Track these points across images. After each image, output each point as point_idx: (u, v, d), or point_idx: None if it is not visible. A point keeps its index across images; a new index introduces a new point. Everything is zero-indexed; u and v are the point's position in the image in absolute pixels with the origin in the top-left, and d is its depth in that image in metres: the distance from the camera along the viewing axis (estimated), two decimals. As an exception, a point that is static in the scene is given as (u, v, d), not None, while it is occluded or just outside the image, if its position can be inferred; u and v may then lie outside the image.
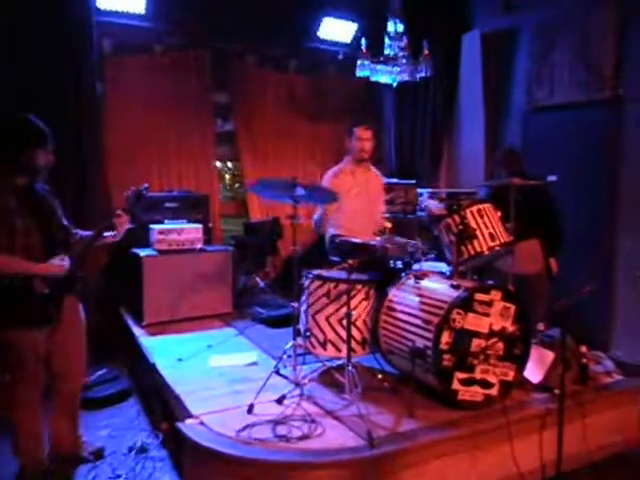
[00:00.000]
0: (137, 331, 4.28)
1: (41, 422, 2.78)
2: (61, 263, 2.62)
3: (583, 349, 3.24)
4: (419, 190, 5.39)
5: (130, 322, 4.49)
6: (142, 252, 4.47)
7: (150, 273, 4.41)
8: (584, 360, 3.23)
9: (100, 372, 3.88)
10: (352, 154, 4.01)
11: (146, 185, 2.85)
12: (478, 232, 3.16)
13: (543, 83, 4.93)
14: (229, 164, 7.75)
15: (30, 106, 3.94)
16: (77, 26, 4.34)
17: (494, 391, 2.93)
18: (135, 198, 2.81)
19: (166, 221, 4.77)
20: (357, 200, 3.94)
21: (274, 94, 6.06)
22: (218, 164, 6.32)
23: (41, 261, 2.58)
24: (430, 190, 5.40)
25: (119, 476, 2.83)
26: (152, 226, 4.62)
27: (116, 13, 4.94)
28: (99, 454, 3.02)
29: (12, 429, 2.72)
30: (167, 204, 4.98)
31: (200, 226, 4.74)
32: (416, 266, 3.39)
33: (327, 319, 3.18)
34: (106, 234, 2.80)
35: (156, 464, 2.95)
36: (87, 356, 2.95)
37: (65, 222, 2.80)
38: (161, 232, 4.52)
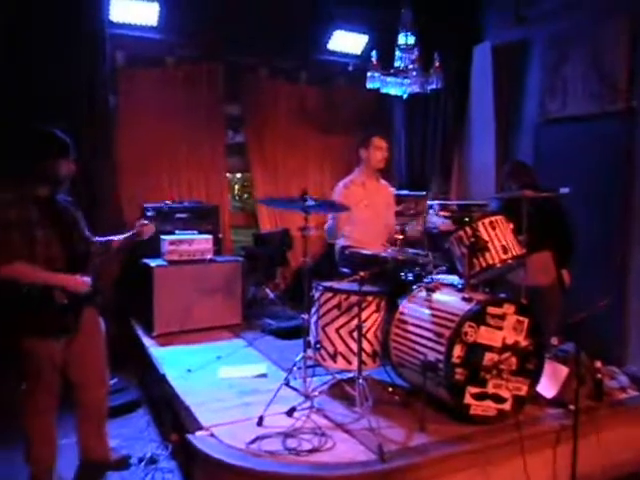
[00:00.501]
0: (147, 341, 4.29)
1: (54, 431, 2.78)
2: (84, 280, 2.63)
3: (598, 364, 3.20)
4: (429, 202, 5.37)
5: (140, 332, 4.50)
6: (153, 262, 4.48)
7: (161, 283, 4.42)
8: (599, 375, 3.19)
9: (110, 382, 3.88)
10: (368, 164, 4.00)
11: (167, 202, 2.99)
12: (490, 244, 3.13)
13: (555, 95, 4.91)
14: (238, 175, 7.77)
15: (43, 119, 3.99)
16: (90, 39, 4.39)
17: (507, 406, 2.89)
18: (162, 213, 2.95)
19: (177, 232, 4.79)
20: (367, 211, 3.93)
21: (285, 106, 6.10)
22: (228, 175, 6.35)
23: (61, 271, 2.58)
24: (440, 202, 5.38)
25: (129, 487, 2.83)
26: (163, 237, 4.63)
27: (129, 26, 5.00)
28: (125, 462, 3.02)
29: (25, 437, 2.72)
30: (178, 215, 5.01)
31: (210, 237, 4.75)
32: (427, 278, 3.37)
33: (337, 331, 3.17)
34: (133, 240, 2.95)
35: (165, 475, 2.93)
36: (107, 367, 2.97)
37: (87, 233, 2.84)
38: (172, 243, 4.53)
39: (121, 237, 2.94)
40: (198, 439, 2.69)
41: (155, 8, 4.96)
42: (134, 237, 2.93)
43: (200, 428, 2.81)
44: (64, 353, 2.68)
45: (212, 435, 2.73)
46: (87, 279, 2.65)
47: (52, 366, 2.63)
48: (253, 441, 2.64)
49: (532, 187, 3.53)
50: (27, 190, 2.58)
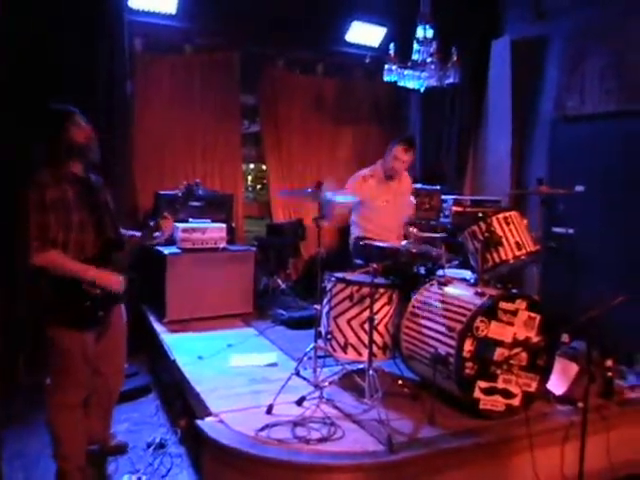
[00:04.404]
0: (158, 328, 4.32)
1: (83, 426, 2.72)
2: (118, 279, 2.57)
3: (609, 362, 3.18)
4: (444, 196, 5.35)
5: (152, 319, 4.53)
6: (166, 250, 4.51)
7: (173, 271, 4.45)
8: (609, 374, 3.17)
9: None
10: (384, 166, 3.96)
11: (198, 180, 2.91)
12: (504, 240, 3.12)
13: (573, 92, 4.86)
14: (251, 165, 7.79)
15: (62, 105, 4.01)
16: (109, 25, 4.40)
17: (516, 401, 2.89)
18: (186, 194, 2.85)
19: (190, 220, 4.81)
20: (385, 208, 3.91)
21: (301, 97, 6.09)
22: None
23: (92, 259, 2.51)
24: (454, 197, 5.35)
25: (138, 470, 2.86)
26: (177, 225, 4.65)
27: (147, 13, 5.00)
28: (123, 448, 3.05)
29: (53, 435, 2.65)
30: (192, 203, 5.01)
31: (224, 226, 4.77)
32: (440, 272, 3.37)
33: (349, 322, 3.18)
34: (154, 234, 2.80)
35: (174, 460, 2.97)
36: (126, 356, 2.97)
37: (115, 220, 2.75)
38: (185, 231, 4.56)
39: (138, 234, 2.81)
40: (207, 425, 2.72)
41: (174, -4, 4.97)
42: (156, 230, 2.78)
43: (209, 414, 2.83)
44: (95, 345, 2.63)
45: (221, 421, 2.75)
46: (121, 278, 2.58)
47: (83, 358, 2.56)
48: (262, 429, 2.66)
49: None
50: (61, 169, 2.52)
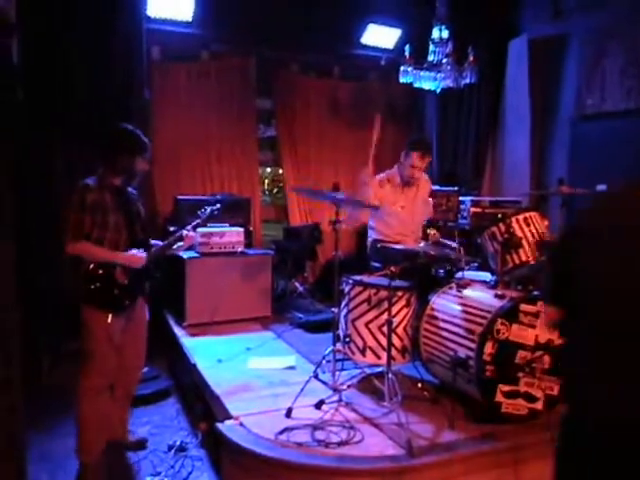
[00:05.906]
0: (178, 331, 4.36)
1: (106, 415, 2.85)
2: (140, 254, 2.81)
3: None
4: (461, 198, 5.31)
5: (172, 322, 4.57)
6: (185, 254, 4.54)
7: (192, 275, 4.48)
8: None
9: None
10: (401, 172, 3.91)
11: (218, 206, 3.19)
12: (524, 241, 3.09)
13: (593, 90, 4.79)
14: (267, 169, 7.81)
15: (82, 113, 4.08)
16: (128, 35, 4.44)
17: (539, 405, 2.84)
18: (208, 217, 3.14)
19: (208, 224, 4.83)
20: (402, 213, 3.86)
21: (317, 100, 6.10)
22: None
23: None
24: (472, 198, 5.31)
25: (159, 473, 2.87)
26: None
27: (164, 21, 5.07)
28: (142, 444, 3.12)
29: (79, 424, 2.76)
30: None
31: (242, 229, 4.79)
32: (459, 274, 3.33)
33: (367, 325, 3.16)
34: (176, 245, 3.04)
35: (195, 463, 2.98)
36: (146, 353, 3.12)
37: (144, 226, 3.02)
38: (204, 235, 4.59)
39: (161, 244, 3.03)
40: (227, 428, 2.73)
41: (190, 3, 5.02)
42: (179, 240, 3.01)
43: (229, 417, 2.84)
44: (122, 333, 2.82)
45: (241, 425, 2.76)
46: (143, 254, 2.82)
47: (109, 340, 2.74)
48: (282, 432, 2.66)
49: None
50: (105, 179, 2.81)
